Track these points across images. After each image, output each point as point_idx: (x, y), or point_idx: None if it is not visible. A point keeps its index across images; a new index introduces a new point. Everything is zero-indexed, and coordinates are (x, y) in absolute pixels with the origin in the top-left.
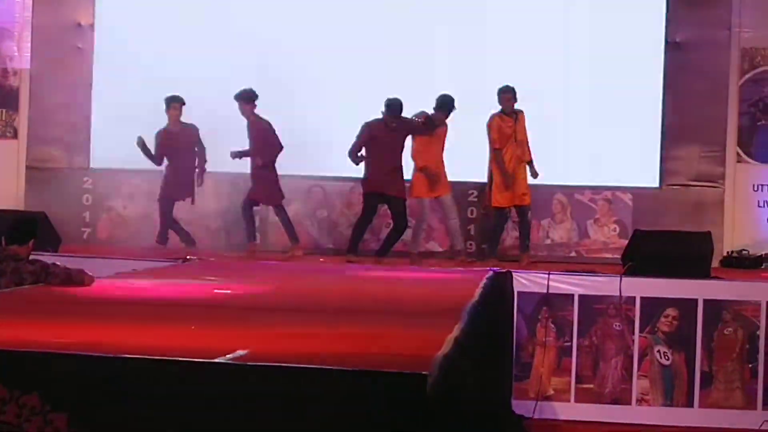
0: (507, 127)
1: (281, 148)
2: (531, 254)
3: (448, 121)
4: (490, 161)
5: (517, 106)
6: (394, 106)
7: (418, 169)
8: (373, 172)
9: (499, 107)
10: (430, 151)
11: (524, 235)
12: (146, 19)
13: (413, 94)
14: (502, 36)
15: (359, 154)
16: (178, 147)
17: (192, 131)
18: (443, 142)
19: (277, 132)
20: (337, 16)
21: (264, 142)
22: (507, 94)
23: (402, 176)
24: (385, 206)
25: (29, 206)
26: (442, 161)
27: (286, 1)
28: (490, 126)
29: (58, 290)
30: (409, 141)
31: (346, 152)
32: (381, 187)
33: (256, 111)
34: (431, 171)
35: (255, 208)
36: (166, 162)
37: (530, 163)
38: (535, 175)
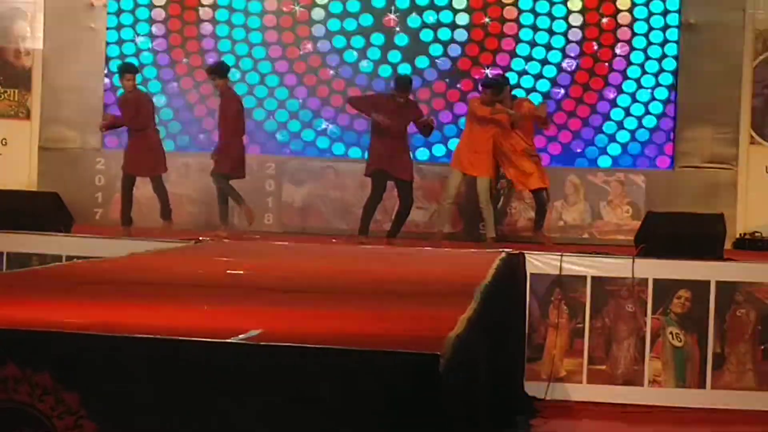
0: None
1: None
2: (545, 233)
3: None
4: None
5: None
6: (401, 82)
7: (464, 141)
8: (377, 149)
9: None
10: (484, 127)
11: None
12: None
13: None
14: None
15: (358, 108)
16: (136, 114)
17: (149, 98)
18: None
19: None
20: None
21: (236, 117)
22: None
23: (408, 158)
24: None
25: (42, 187)
26: (494, 143)
27: None
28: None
29: (73, 269)
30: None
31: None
32: (385, 165)
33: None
34: (474, 148)
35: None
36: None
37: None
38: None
